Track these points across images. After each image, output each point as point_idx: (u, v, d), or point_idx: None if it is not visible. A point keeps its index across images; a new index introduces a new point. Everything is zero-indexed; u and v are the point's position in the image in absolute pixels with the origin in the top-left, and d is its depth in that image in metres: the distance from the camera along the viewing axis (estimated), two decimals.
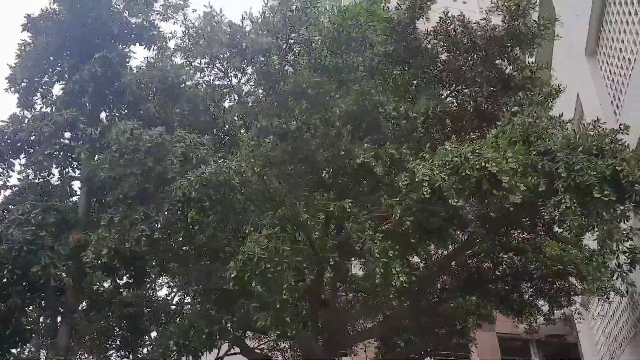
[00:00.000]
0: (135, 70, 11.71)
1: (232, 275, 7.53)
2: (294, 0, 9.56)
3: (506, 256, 12.63)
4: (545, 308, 13.83)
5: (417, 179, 7.21)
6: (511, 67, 10.64)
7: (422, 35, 10.51)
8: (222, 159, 8.47)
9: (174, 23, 11.45)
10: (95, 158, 11.05)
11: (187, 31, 10.46)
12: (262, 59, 9.62)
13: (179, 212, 8.67)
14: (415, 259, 13.25)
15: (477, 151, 7.21)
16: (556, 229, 10.70)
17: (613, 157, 7.26)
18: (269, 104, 10.14)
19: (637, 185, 6.99)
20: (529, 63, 10.80)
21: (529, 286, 12.93)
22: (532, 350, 24.34)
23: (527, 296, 13.21)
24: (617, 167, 7.14)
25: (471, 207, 7.50)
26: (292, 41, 9.55)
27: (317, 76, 9.45)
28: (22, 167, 10.97)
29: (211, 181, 7.91)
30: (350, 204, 8.06)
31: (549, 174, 7.32)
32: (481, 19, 10.23)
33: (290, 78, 9.91)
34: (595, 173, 7.05)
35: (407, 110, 8.89)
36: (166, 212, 8.52)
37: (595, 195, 6.94)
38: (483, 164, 6.97)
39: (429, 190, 7.06)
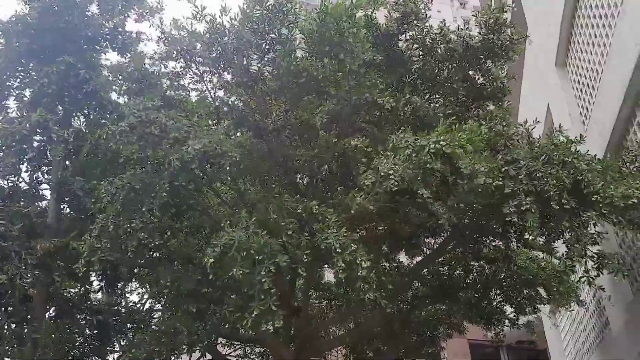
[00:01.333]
0: (108, 74, 11.60)
1: (211, 261, 7.14)
2: None
3: (477, 264, 12.83)
4: (512, 315, 14.09)
5: (382, 173, 7.31)
6: (483, 78, 10.86)
7: (401, 44, 10.66)
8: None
9: (150, 26, 11.34)
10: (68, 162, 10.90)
11: (161, 35, 10.36)
12: (242, 57, 9.54)
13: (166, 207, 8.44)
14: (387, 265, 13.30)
15: (433, 139, 7.37)
16: (527, 235, 10.92)
17: (574, 168, 7.51)
18: (246, 103, 10.11)
19: (596, 195, 7.23)
20: (499, 74, 11.03)
21: (497, 294, 13.15)
22: (502, 356, 24.70)
23: (495, 303, 13.45)
24: (578, 177, 7.40)
25: (443, 212, 7.59)
26: (271, 41, 9.51)
27: (297, 78, 9.41)
28: None
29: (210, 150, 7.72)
30: (318, 206, 8.05)
31: (513, 179, 7.55)
32: (460, 29, 10.42)
33: (270, 79, 9.88)
34: (555, 182, 7.35)
35: (400, 103, 9.05)
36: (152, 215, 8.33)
37: (553, 207, 7.20)
38: (438, 146, 7.15)
39: (396, 182, 7.16)
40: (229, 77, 10.38)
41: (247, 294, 7.49)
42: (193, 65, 10.35)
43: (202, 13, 9.61)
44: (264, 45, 9.50)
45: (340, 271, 7.37)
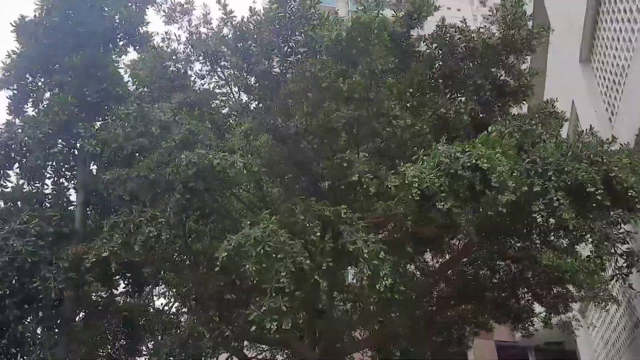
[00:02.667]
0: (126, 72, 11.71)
1: (224, 255, 7.07)
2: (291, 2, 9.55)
3: (503, 264, 12.65)
4: (543, 314, 13.84)
5: (406, 181, 7.22)
6: (506, 75, 10.73)
7: (416, 42, 10.61)
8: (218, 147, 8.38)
9: (179, 28, 11.40)
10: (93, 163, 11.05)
11: (190, 37, 10.47)
12: (265, 60, 9.62)
13: (176, 212, 8.51)
14: (412, 267, 13.21)
15: (467, 150, 7.25)
16: (552, 237, 10.73)
17: (605, 165, 7.36)
18: (268, 106, 10.16)
19: (630, 191, 7.06)
20: (522, 70, 10.88)
21: (525, 293, 12.95)
22: (530, 357, 24.31)
23: (523, 302, 13.23)
24: (610, 174, 7.23)
25: (466, 215, 7.51)
26: (293, 44, 9.56)
27: (319, 82, 9.45)
28: (16, 177, 10.96)
29: (205, 163, 7.73)
30: (345, 210, 8.04)
31: (541, 175, 7.41)
32: (480, 27, 10.34)
33: (292, 82, 9.93)
34: (585, 175, 7.19)
35: (413, 122, 8.93)
36: (171, 210, 8.33)
37: (588, 191, 7.05)
38: (474, 161, 7.03)
39: (418, 192, 7.08)
40: (252, 80, 10.47)
41: (261, 290, 7.39)
42: (218, 68, 10.47)
43: (230, 16, 9.78)
44: (286, 48, 9.55)
45: (365, 278, 7.37)
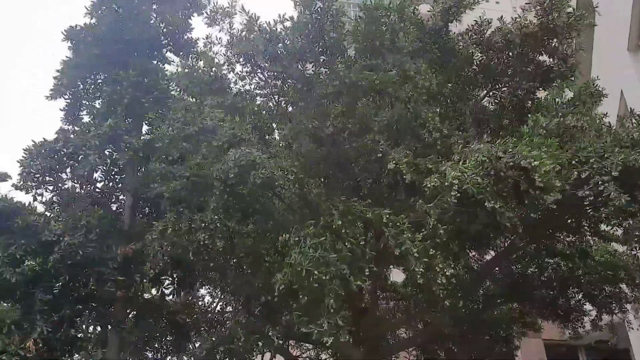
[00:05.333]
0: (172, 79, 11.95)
1: (281, 287, 7.54)
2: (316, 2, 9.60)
3: (552, 261, 12.29)
4: (593, 313, 13.39)
5: (446, 183, 7.12)
6: (550, 59, 10.39)
7: (455, 38, 10.40)
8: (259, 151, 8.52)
9: (220, 30, 11.57)
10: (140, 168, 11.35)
11: (231, 40, 10.63)
12: (297, 64, 9.69)
13: (221, 214, 8.71)
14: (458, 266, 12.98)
15: (510, 150, 7.07)
16: (603, 227, 10.33)
17: None
18: (303, 108, 10.21)
19: None
20: (566, 52, 10.46)
21: (576, 292, 12.55)
22: (580, 356, 23.56)
23: (574, 302, 12.84)
24: None
25: (511, 211, 7.32)
26: (323, 44, 9.60)
27: (351, 80, 9.45)
28: (69, 180, 11.40)
29: (246, 166, 7.92)
30: (388, 214, 8.01)
31: (583, 164, 7.17)
32: (516, 17, 10.05)
33: (326, 83, 9.95)
34: (628, 158, 6.89)
35: (449, 126, 8.82)
36: (214, 216, 8.59)
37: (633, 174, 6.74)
38: (518, 162, 6.84)
39: (458, 195, 6.96)
40: (283, 82, 10.57)
41: (316, 305, 7.71)
42: (258, 70, 10.58)
43: (257, 23, 9.92)
44: (317, 49, 9.58)
45: (419, 276, 7.33)
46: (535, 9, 9.83)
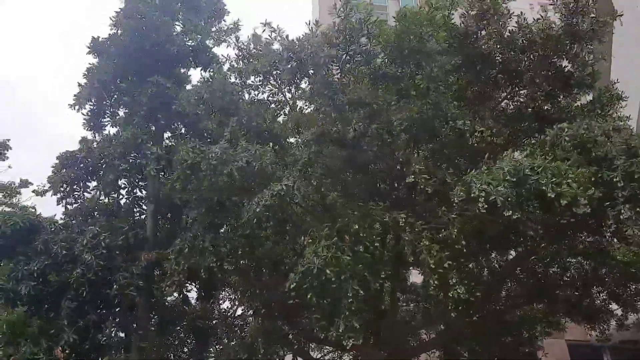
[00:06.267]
0: (190, 89, 12.12)
1: (292, 286, 7.63)
2: (352, 13, 9.70)
3: (574, 260, 12.13)
4: (618, 312, 13.17)
5: (472, 194, 7.08)
6: (570, 65, 10.27)
7: (480, 41, 10.32)
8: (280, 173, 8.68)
9: (227, 46, 11.81)
10: (162, 175, 11.51)
11: (239, 53, 10.78)
12: (322, 71, 9.79)
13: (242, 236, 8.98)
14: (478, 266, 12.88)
15: (535, 168, 6.98)
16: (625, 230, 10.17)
17: None
18: (327, 113, 10.26)
19: None
20: (587, 59, 10.33)
21: (600, 291, 12.36)
22: (605, 357, 23.18)
23: (598, 301, 12.65)
24: None
25: (534, 220, 7.28)
26: (351, 52, 9.70)
27: (376, 86, 9.51)
28: (94, 189, 11.61)
29: (274, 205, 8.11)
30: (404, 218, 8.00)
31: (608, 184, 7.05)
32: (538, 18, 9.95)
33: (349, 88, 9.99)
34: None
35: (473, 125, 8.77)
36: (234, 240, 8.98)
37: None
38: (542, 187, 6.78)
39: (486, 206, 6.92)
40: (306, 87, 10.62)
41: (333, 307, 7.77)
42: (271, 78, 10.67)
43: (278, 33, 10.07)
44: (344, 56, 9.65)
45: (432, 288, 7.38)
46: (560, 10, 9.72)
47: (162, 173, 11.60)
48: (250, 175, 8.75)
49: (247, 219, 8.26)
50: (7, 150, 19.17)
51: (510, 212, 6.81)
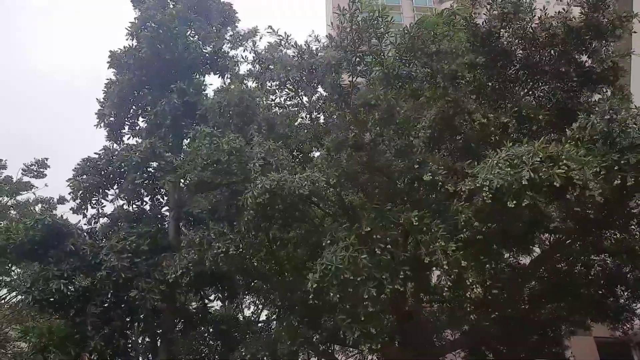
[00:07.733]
0: (211, 97, 12.25)
1: (313, 287, 7.68)
2: (358, 13, 9.67)
3: (598, 259, 11.93)
4: None
5: (477, 184, 7.05)
6: (591, 60, 10.10)
7: (502, 38, 10.22)
8: (295, 168, 8.74)
9: (244, 50, 11.91)
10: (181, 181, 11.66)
11: (256, 57, 10.85)
12: (333, 74, 9.80)
13: (253, 227, 9.00)
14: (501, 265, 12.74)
15: (551, 153, 6.90)
16: None
17: None
18: (341, 117, 10.27)
19: None
20: (609, 54, 10.13)
21: (624, 289, 12.15)
22: (634, 353, 22.74)
23: (622, 300, 12.43)
24: None
25: (556, 209, 7.16)
26: (361, 53, 9.67)
27: (388, 87, 9.47)
28: (115, 196, 11.80)
29: (277, 190, 8.08)
30: (417, 217, 7.97)
31: (633, 167, 6.92)
32: (560, 11, 9.81)
33: (362, 90, 9.99)
34: None
35: (495, 116, 8.69)
36: (243, 228, 8.93)
37: None
38: (550, 166, 6.71)
39: (490, 195, 6.87)
40: (322, 91, 10.66)
41: (354, 308, 7.75)
42: (287, 82, 10.72)
43: (288, 40, 10.16)
44: (354, 59, 9.64)
45: (446, 289, 7.35)
46: (582, 4, 9.57)
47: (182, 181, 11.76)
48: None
49: (246, 200, 8.24)
50: (46, 169, 20.38)
51: (515, 201, 6.73)
